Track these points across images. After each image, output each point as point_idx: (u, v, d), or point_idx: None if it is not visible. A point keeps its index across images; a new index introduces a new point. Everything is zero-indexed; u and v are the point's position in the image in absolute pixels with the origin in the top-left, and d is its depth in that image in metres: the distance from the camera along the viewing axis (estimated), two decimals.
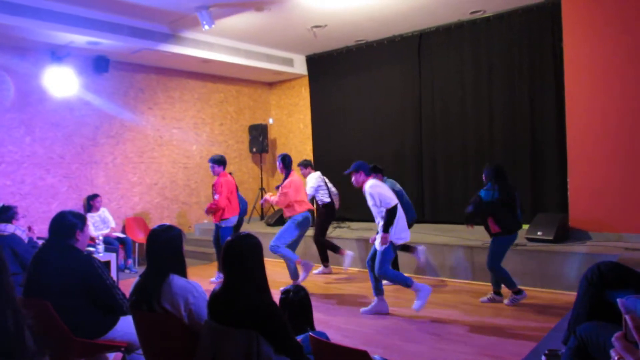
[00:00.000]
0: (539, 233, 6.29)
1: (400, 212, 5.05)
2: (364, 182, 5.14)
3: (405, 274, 5.31)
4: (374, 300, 5.21)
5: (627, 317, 0.96)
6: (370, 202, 5.07)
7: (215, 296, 2.47)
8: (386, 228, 4.91)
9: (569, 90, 6.60)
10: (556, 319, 4.74)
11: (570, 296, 5.25)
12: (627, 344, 0.95)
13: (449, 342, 4.30)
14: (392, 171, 8.95)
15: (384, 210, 4.93)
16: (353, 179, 5.20)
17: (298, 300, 3.02)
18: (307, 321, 3.02)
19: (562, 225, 6.41)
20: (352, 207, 9.25)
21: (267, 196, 6.55)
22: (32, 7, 6.36)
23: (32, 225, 6.54)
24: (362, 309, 5.22)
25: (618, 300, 0.97)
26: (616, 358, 0.97)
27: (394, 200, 4.98)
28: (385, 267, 4.96)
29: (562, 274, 5.71)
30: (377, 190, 5.00)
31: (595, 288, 2.68)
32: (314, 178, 6.86)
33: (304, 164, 7.12)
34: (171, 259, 2.74)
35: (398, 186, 6.09)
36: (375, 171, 5.93)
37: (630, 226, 6.16)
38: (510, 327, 4.62)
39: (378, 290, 5.20)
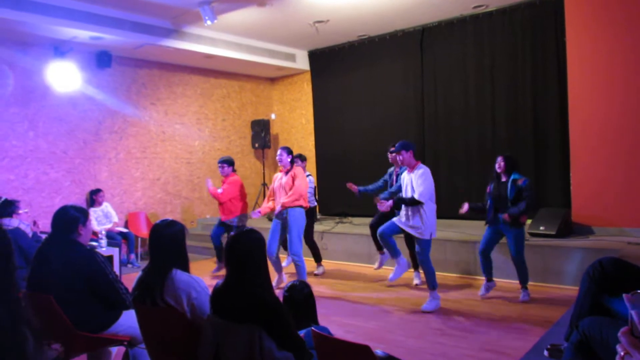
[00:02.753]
0: (541, 228, 6.29)
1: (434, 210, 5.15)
2: (411, 164, 5.10)
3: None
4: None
5: (633, 312, 0.96)
6: (414, 184, 5.04)
7: (218, 291, 2.48)
8: (400, 202, 5.05)
9: (572, 84, 6.58)
10: (558, 314, 4.75)
11: (573, 291, 5.25)
12: (633, 339, 0.96)
13: (451, 337, 4.31)
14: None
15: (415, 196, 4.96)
16: (400, 157, 5.15)
17: (303, 297, 3.03)
18: (311, 318, 3.03)
19: (565, 220, 6.41)
20: (354, 202, 9.25)
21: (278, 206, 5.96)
22: (35, 2, 6.36)
23: (36, 219, 6.57)
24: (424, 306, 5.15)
25: (624, 295, 0.97)
26: (622, 353, 0.97)
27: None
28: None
29: (565, 269, 5.71)
30: (428, 181, 5.04)
31: (597, 284, 2.68)
32: (309, 179, 6.75)
33: (303, 158, 7.09)
34: (174, 253, 2.75)
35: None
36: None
37: (633, 220, 6.16)
38: (513, 322, 4.62)
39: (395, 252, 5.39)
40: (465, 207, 5.34)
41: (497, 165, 5.38)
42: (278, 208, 5.78)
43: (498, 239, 5.37)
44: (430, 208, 5.06)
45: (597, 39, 6.36)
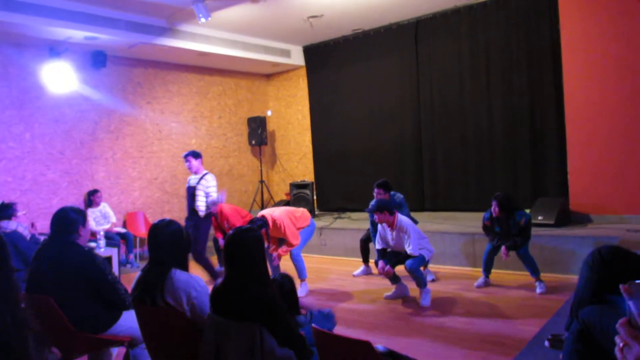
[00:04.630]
0: (539, 218, 6.30)
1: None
2: (390, 221, 5.14)
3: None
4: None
5: (630, 303, 0.96)
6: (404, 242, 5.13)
7: (217, 290, 2.48)
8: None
9: (567, 73, 6.59)
10: (558, 303, 4.76)
11: (573, 280, 5.27)
12: (632, 330, 0.95)
13: (451, 330, 4.32)
14: (391, 160, 8.99)
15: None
16: (376, 218, 5.17)
17: (284, 291, 3.05)
18: (294, 310, 3.06)
19: (563, 209, 6.43)
20: (352, 197, 9.27)
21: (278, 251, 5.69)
22: (29, 3, 6.33)
23: (34, 221, 6.56)
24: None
25: (620, 286, 0.97)
26: (621, 344, 0.97)
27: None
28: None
29: (564, 258, 5.73)
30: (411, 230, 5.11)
31: (596, 273, 2.69)
32: (214, 178, 6.22)
33: (196, 155, 6.30)
34: (173, 253, 2.75)
35: (399, 196, 6.04)
36: (386, 189, 5.86)
37: (631, 207, 6.19)
38: (513, 313, 4.64)
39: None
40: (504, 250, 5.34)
41: (492, 209, 5.39)
42: (274, 256, 5.66)
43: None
44: (420, 236, 5.26)
45: (591, 27, 6.36)
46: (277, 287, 3.01)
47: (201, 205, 6.06)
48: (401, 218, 5.15)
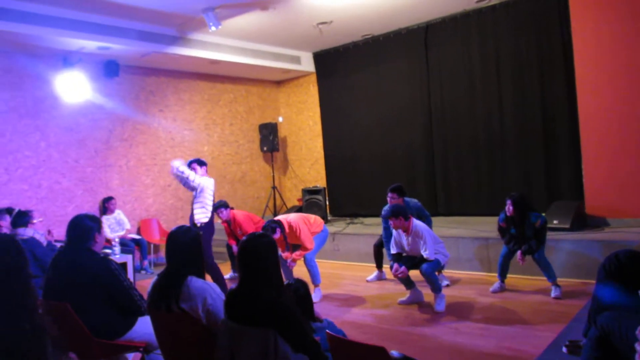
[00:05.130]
0: (555, 222, 6.23)
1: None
2: (405, 226, 5.14)
3: None
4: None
5: None
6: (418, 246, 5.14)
7: (231, 295, 2.48)
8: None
9: (580, 76, 6.52)
10: (575, 309, 4.69)
11: (589, 285, 5.21)
12: None
13: (467, 335, 4.29)
14: (403, 165, 8.97)
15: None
16: (392, 224, 5.14)
17: (299, 296, 3.04)
18: (309, 315, 3.04)
19: (579, 212, 6.35)
20: (364, 202, 9.26)
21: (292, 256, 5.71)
22: (43, 15, 6.43)
23: (50, 228, 6.63)
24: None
25: None
26: None
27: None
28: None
29: (580, 263, 5.65)
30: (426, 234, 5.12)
31: (614, 277, 2.65)
32: (212, 182, 5.97)
33: (201, 163, 6.05)
34: (190, 260, 2.77)
35: (415, 202, 6.04)
36: (400, 193, 5.89)
37: None
38: (529, 318, 4.59)
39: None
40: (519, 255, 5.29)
41: (506, 208, 5.35)
42: (289, 262, 5.68)
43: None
44: (437, 242, 5.26)
45: (602, 29, 6.30)
46: (292, 292, 3.01)
47: (200, 217, 5.75)
48: (416, 223, 5.14)
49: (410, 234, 5.12)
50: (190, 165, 5.88)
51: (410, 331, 4.50)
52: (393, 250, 5.34)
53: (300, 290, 3.08)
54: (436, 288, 5.06)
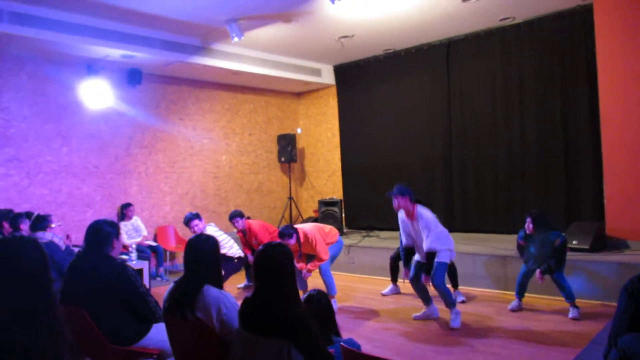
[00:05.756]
0: (574, 242, 6.13)
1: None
2: (409, 208, 5.08)
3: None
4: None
5: None
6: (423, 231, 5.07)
7: (246, 305, 2.48)
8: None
9: (603, 96, 6.43)
10: (595, 330, 4.61)
11: (609, 307, 5.11)
12: None
13: (481, 354, 4.22)
14: (421, 180, 8.92)
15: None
16: (396, 203, 5.09)
17: (321, 308, 3.01)
18: (331, 328, 3.00)
19: (599, 233, 6.25)
20: (381, 216, 9.21)
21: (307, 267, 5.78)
22: (69, 22, 6.56)
23: (68, 233, 6.71)
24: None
25: None
26: None
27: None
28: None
29: (600, 284, 5.55)
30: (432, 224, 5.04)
31: (636, 300, 2.59)
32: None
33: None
34: (207, 269, 2.77)
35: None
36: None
37: None
38: (547, 339, 4.50)
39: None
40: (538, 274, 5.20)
41: (525, 226, 5.30)
42: (304, 272, 5.74)
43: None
44: (441, 231, 5.08)
45: (627, 50, 6.22)
46: (314, 302, 2.98)
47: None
48: (421, 210, 5.05)
49: (414, 219, 5.07)
50: (190, 223, 6.22)
51: (425, 347, 4.45)
52: (403, 241, 5.34)
53: (322, 301, 3.05)
54: (450, 303, 4.99)
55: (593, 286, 5.58)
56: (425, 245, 4.99)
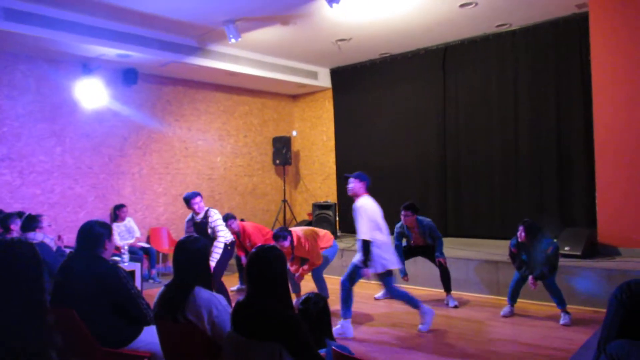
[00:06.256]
0: (566, 248, 6.16)
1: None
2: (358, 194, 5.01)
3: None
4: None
5: None
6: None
7: (238, 307, 2.47)
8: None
9: (597, 103, 6.48)
10: (584, 336, 4.63)
11: (599, 313, 5.13)
12: None
13: (474, 358, 4.23)
14: (415, 185, 8.94)
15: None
16: (350, 186, 5.04)
17: (317, 311, 3.00)
18: (325, 332, 2.99)
19: (590, 240, 6.28)
20: None
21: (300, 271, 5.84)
22: (65, 20, 6.53)
23: (60, 233, 6.67)
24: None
25: None
26: None
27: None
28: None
29: (590, 291, 5.58)
30: (365, 214, 4.89)
31: (625, 307, 2.61)
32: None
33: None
34: (197, 270, 2.76)
35: (428, 221, 6.07)
36: (414, 210, 5.94)
37: None
38: (538, 344, 4.52)
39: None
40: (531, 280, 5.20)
41: (518, 234, 5.30)
42: (297, 275, 5.76)
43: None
44: (377, 240, 4.88)
45: (622, 58, 6.27)
46: (311, 304, 2.96)
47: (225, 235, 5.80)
48: (364, 200, 4.93)
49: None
50: (191, 200, 5.91)
51: (416, 351, 4.45)
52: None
53: (320, 304, 3.03)
54: (414, 306, 4.95)
55: (584, 293, 5.61)
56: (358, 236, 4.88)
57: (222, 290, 5.55)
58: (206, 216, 5.79)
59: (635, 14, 6.18)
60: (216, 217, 5.77)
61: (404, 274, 6.01)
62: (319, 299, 3.06)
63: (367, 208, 4.87)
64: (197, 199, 5.92)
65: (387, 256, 4.93)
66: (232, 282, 7.32)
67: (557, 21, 7.38)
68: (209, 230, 5.71)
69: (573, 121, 7.31)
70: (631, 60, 6.20)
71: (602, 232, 6.42)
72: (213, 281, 5.36)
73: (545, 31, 7.54)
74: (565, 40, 7.35)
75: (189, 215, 6.05)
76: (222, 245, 5.60)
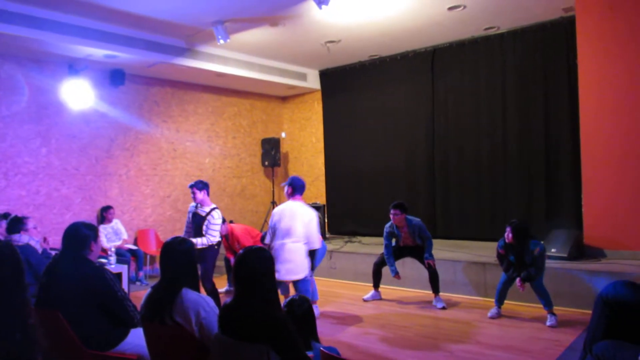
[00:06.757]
0: (553, 250, 6.21)
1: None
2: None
3: None
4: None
5: None
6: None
7: (226, 309, 2.46)
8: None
9: (583, 106, 6.54)
10: (571, 337, 4.66)
11: (585, 314, 5.17)
12: None
13: (461, 359, 4.24)
14: (404, 187, 8.97)
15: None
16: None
17: (302, 312, 2.99)
18: (311, 333, 2.99)
19: (577, 242, 6.33)
20: (364, 221, 9.24)
21: None
22: (51, 20, 6.47)
23: (46, 235, 6.59)
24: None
25: None
26: None
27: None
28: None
29: (577, 292, 5.62)
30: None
31: (610, 308, 2.63)
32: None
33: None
34: (184, 271, 2.75)
35: (417, 220, 6.09)
36: (403, 209, 5.98)
37: None
38: (524, 345, 4.54)
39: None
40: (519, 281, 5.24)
41: (505, 235, 5.32)
42: None
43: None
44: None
45: (608, 61, 6.34)
46: (295, 307, 2.96)
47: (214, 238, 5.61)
48: (289, 204, 5.60)
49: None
50: (193, 189, 5.76)
51: (404, 352, 4.46)
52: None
53: (304, 306, 3.02)
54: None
55: (570, 294, 5.65)
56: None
57: (214, 292, 5.51)
58: (208, 214, 5.71)
59: (620, 17, 6.25)
60: (216, 222, 5.61)
61: (395, 272, 6.09)
62: (303, 301, 3.06)
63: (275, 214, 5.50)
64: (196, 189, 5.74)
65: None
66: (221, 284, 7.28)
67: (545, 24, 7.46)
68: (204, 229, 5.64)
69: (560, 123, 7.38)
70: (617, 64, 6.27)
71: (588, 234, 6.48)
72: (205, 282, 5.38)
73: (532, 34, 7.61)
74: (552, 43, 7.43)
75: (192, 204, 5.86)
76: (207, 243, 5.50)
